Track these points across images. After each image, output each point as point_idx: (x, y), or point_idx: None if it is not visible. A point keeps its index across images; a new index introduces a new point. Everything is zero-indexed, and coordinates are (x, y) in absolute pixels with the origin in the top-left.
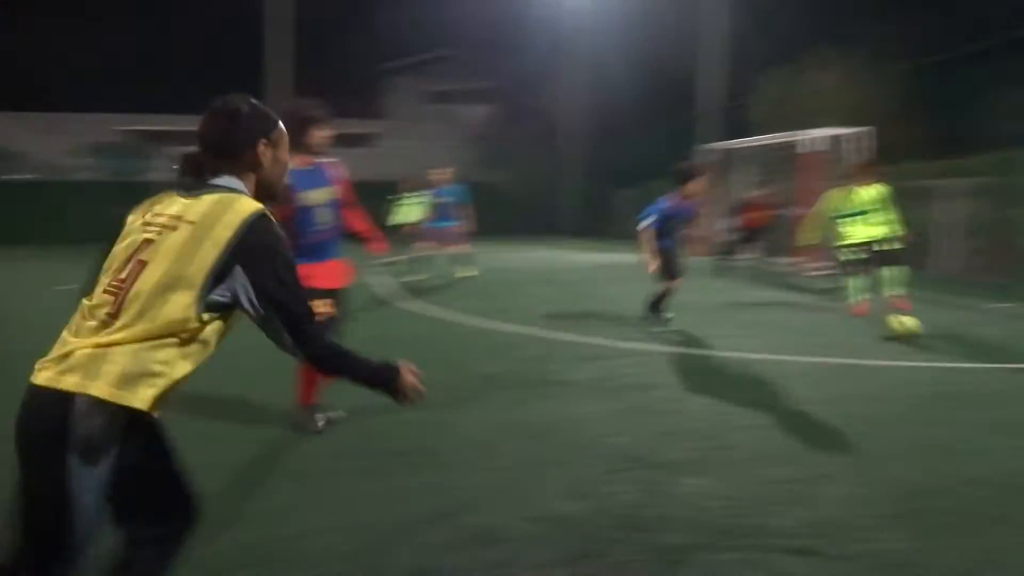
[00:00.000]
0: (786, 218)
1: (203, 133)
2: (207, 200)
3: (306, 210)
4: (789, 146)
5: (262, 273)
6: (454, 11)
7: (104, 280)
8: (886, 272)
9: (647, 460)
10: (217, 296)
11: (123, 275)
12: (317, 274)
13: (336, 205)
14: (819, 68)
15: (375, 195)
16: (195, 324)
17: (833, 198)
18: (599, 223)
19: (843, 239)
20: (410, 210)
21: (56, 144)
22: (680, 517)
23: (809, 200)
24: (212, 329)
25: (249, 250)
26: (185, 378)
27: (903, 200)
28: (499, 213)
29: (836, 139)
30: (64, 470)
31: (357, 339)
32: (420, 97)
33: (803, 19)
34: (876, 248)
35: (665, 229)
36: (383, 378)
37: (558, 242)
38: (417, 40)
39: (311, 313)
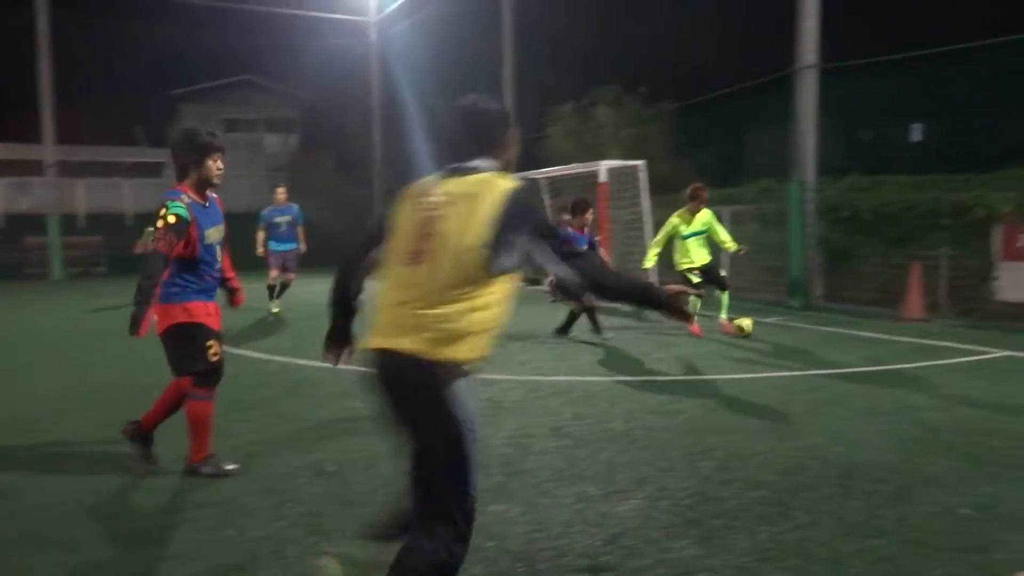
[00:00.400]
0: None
1: (461, 126)
2: (472, 179)
3: (208, 248)
4: (590, 175)
5: (534, 229)
6: (257, 36)
7: (398, 256)
8: (724, 297)
9: None
10: (503, 259)
11: (418, 247)
12: (212, 313)
13: (222, 245)
14: (604, 105)
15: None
16: (485, 282)
17: (673, 223)
18: None
19: (685, 263)
20: None
21: None
22: (483, 547)
23: (602, 226)
24: (503, 288)
25: (516, 214)
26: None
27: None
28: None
29: (616, 171)
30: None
31: (142, 386)
32: (218, 125)
33: (590, 59)
34: (708, 271)
35: None
36: (656, 299)
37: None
38: (214, 65)
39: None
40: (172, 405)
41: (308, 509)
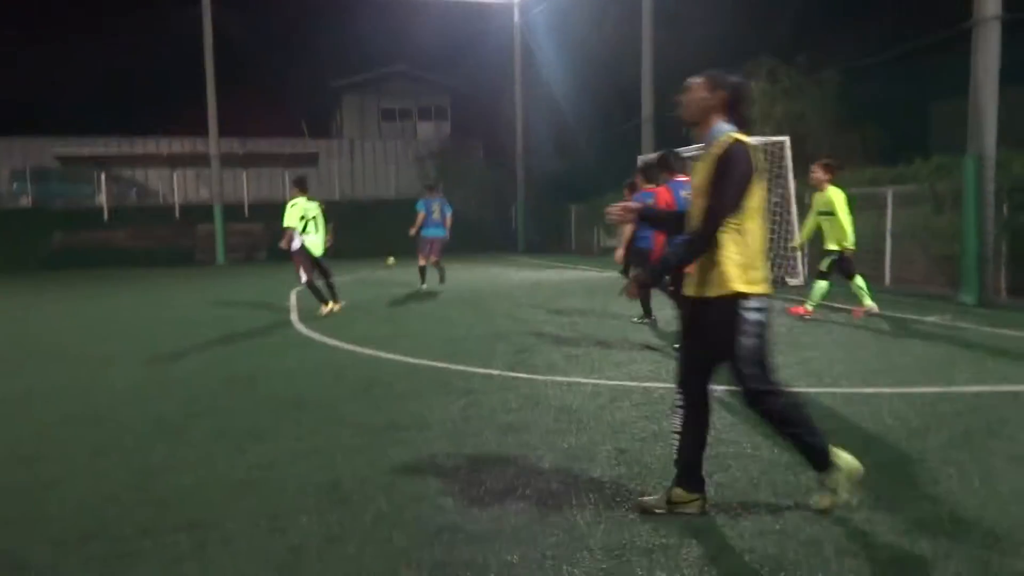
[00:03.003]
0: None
1: None
2: None
3: None
4: None
5: None
6: (408, 27)
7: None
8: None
9: None
10: None
11: None
12: None
13: None
14: (757, 79)
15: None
16: None
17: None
18: (553, 239)
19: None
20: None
21: None
22: None
23: None
24: None
25: None
26: None
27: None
28: (453, 231)
29: (763, 147)
30: None
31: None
32: (376, 115)
33: (742, 31)
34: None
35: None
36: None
37: (512, 259)
38: (371, 56)
39: None
40: None
41: (293, 543)
